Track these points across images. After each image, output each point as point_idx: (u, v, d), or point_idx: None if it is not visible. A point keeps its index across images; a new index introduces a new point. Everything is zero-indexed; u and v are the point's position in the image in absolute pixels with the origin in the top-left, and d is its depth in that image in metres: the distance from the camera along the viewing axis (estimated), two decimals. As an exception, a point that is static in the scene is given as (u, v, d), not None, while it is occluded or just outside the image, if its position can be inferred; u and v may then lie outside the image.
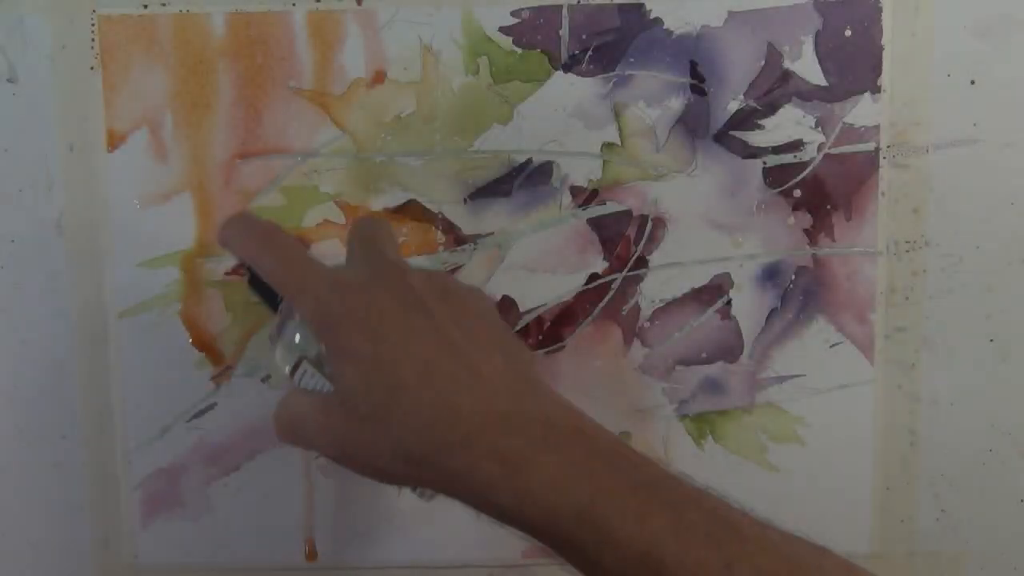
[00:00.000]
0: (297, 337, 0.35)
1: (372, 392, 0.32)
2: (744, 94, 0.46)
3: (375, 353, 0.32)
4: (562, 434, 0.32)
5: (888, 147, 0.46)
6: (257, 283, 0.36)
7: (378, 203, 0.46)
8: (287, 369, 0.35)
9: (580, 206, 0.46)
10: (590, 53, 0.45)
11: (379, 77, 0.46)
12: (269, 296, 0.36)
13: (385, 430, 0.32)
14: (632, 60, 0.45)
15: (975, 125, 0.46)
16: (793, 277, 0.47)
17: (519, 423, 0.32)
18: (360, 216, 0.38)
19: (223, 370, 0.47)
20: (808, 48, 0.45)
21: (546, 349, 0.47)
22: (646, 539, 0.30)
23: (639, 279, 0.47)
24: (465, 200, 0.46)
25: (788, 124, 0.46)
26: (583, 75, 0.46)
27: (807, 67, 0.45)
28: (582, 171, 0.46)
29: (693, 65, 0.45)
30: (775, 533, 0.31)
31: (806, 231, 0.46)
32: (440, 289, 0.34)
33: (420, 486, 0.34)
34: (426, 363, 0.32)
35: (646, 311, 0.47)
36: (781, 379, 0.47)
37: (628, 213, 0.46)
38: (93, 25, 0.45)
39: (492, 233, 0.47)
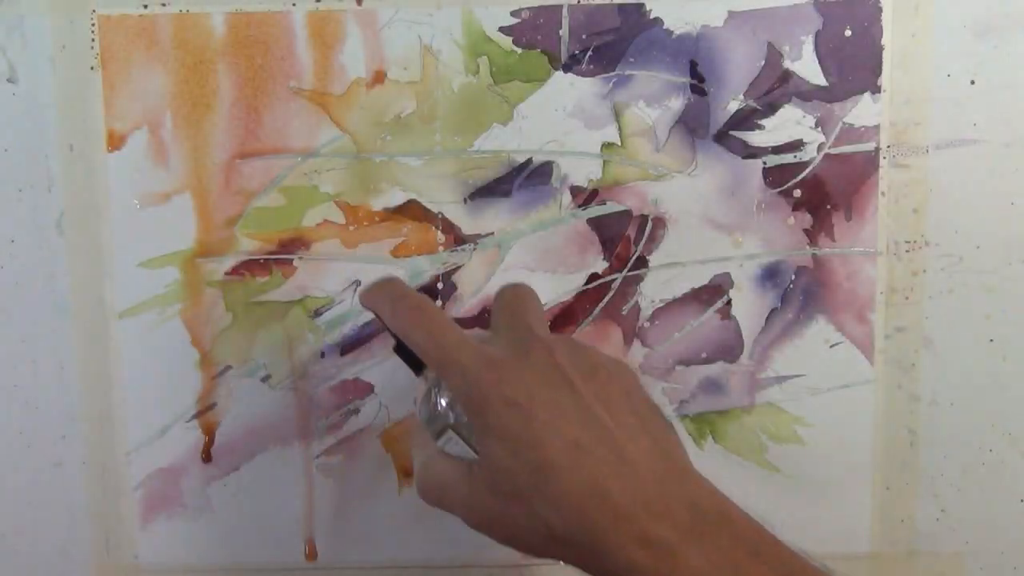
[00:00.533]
0: (442, 404, 0.35)
1: (519, 471, 0.32)
2: (744, 94, 0.46)
3: (523, 433, 0.32)
4: (708, 522, 0.32)
5: (888, 147, 0.46)
6: (402, 349, 0.37)
7: (378, 203, 0.46)
8: (431, 434, 0.36)
9: (580, 206, 0.46)
10: (590, 53, 0.45)
11: (379, 77, 0.46)
12: (413, 361, 0.38)
13: (531, 509, 0.32)
14: (632, 60, 0.45)
15: (975, 125, 0.46)
16: (793, 277, 0.47)
17: (666, 509, 0.32)
18: (507, 284, 0.39)
19: (223, 370, 0.47)
20: (808, 48, 0.45)
21: (546, 349, 0.47)
22: None
23: (639, 279, 0.47)
24: (465, 200, 0.46)
25: (788, 124, 0.46)
26: (583, 75, 0.46)
27: (807, 67, 0.45)
28: (582, 171, 0.46)
29: (693, 65, 0.45)
30: None
31: (806, 231, 0.46)
32: (587, 366, 0.35)
33: (558, 559, 0.34)
34: (574, 444, 0.32)
35: (646, 311, 0.47)
36: (781, 379, 0.47)
37: (628, 213, 0.46)
38: (93, 25, 0.45)
39: (492, 233, 0.47)
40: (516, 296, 0.38)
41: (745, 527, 0.33)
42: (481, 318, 0.47)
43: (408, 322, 0.36)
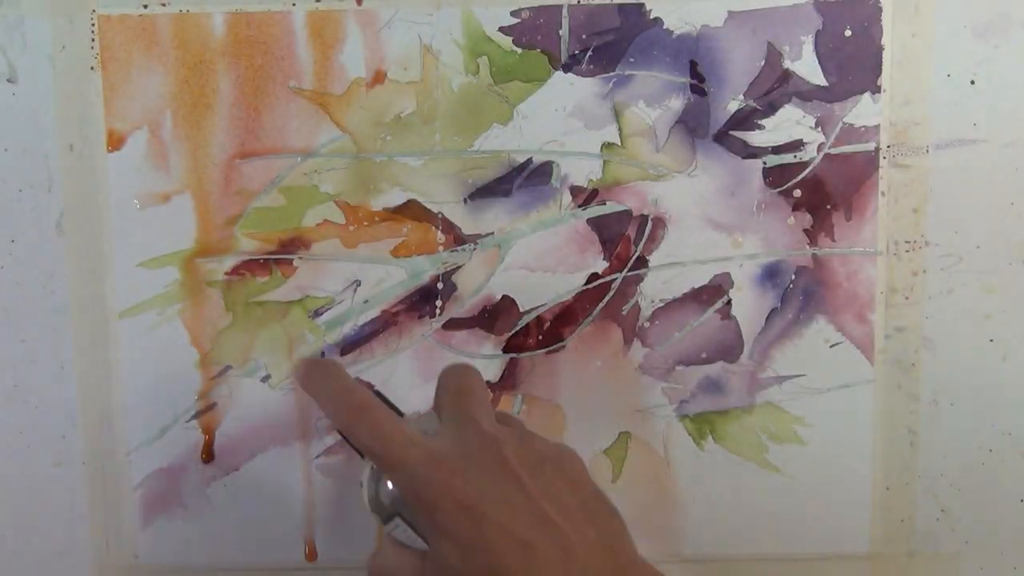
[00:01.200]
0: (389, 496, 0.35)
1: (471, 573, 0.32)
2: (744, 94, 0.46)
3: (474, 535, 0.32)
4: None
5: (888, 147, 0.46)
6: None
7: (378, 203, 0.46)
8: (378, 518, 0.36)
9: (580, 206, 0.46)
10: (590, 53, 0.45)
11: (379, 77, 0.46)
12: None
13: None
14: (632, 60, 0.45)
15: (975, 125, 0.46)
16: (793, 277, 0.47)
17: None
18: (450, 366, 0.39)
19: (223, 370, 0.47)
20: (808, 48, 0.45)
21: (546, 349, 0.47)
22: None
23: (639, 279, 0.47)
24: (465, 200, 0.46)
25: (788, 124, 0.46)
26: (583, 75, 0.46)
27: (807, 67, 0.45)
28: (582, 171, 0.46)
29: (693, 65, 0.45)
30: None
31: (806, 231, 0.46)
32: (534, 460, 0.35)
33: None
34: (525, 546, 0.32)
35: (646, 311, 0.47)
36: (781, 379, 0.47)
37: (628, 213, 0.46)
38: (93, 25, 0.45)
39: (492, 233, 0.47)
40: (461, 382, 0.38)
41: None
42: (481, 318, 0.47)
43: (351, 421, 0.35)
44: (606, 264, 0.47)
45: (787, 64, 0.45)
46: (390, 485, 0.35)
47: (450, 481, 0.33)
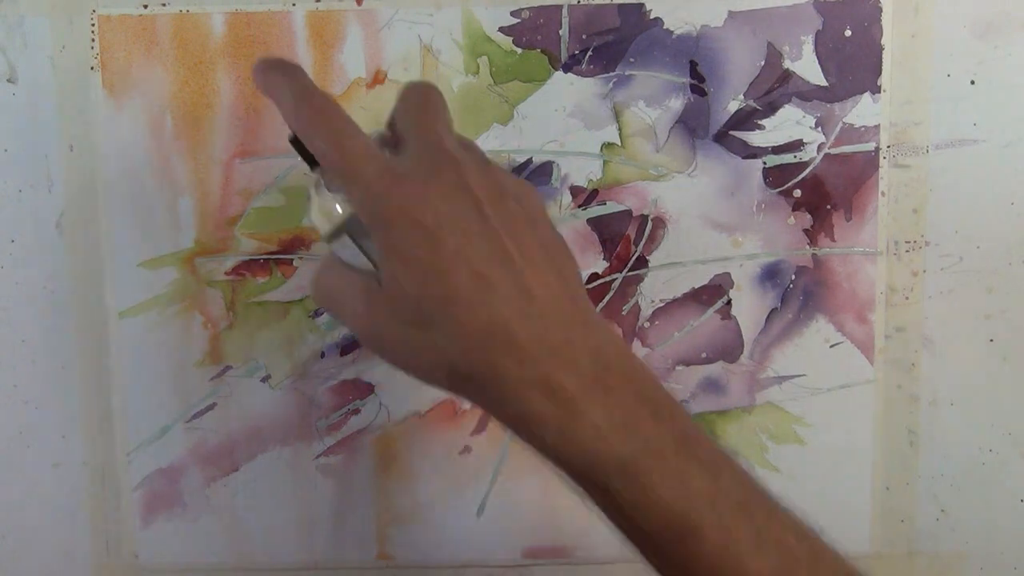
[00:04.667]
0: (339, 207, 0.33)
1: (423, 300, 0.31)
2: (744, 94, 0.46)
3: (429, 259, 0.30)
4: (612, 375, 0.31)
5: (888, 147, 0.46)
6: (299, 143, 0.34)
7: (378, 203, 0.46)
8: (323, 236, 0.34)
9: (580, 206, 0.46)
10: (590, 53, 0.45)
11: (379, 77, 0.46)
12: (309, 154, 0.34)
13: (432, 340, 0.31)
14: (632, 60, 0.45)
15: (975, 125, 0.46)
16: (793, 277, 0.47)
17: (571, 356, 0.31)
18: (412, 82, 0.36)
19: (223, 370, 0.47)
20: (808, 48, 0.45)
21: (546, 349, 0.47)
22: (684, 503, 0.30)
23: (639, 279, 0.47)
24: (465, 200, 0.46)
25: (788, 124, 0.46)
26: (583, 75, 0.46)
27: (807, 67, 0.45)
28: (582, 171, 0.46)
29: (693, 65, 0.45)
30: (794, 515, 0.32)
31: (806, 231, 0.46)
32: (496, 190, 0.32)
33: (457, 395, 0.33)
34: (480, 277, 0.30)
35: (646, 311, 0.47)
36: (781, 379, 0.47)
37: (628, 213, 0.46)
38: (93, 25, 0.45)
39: (492, 233, 0.46)
40: (424, 99, 0.35)
41: (649, 386, 0.32)
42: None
43: (311, 124, 0.33)
44: (606, 264, 0.47)
45: (787, 64, 0.45)
46: (339, 206, 0.33)
47: (408, 199, 0.31)
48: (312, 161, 0.34)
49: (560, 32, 0.45)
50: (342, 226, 0.33)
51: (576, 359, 0.31)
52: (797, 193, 0.46)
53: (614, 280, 0.47)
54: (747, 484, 0.31)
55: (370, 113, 0.46)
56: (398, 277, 0.31)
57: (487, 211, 0.31)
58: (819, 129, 0.46)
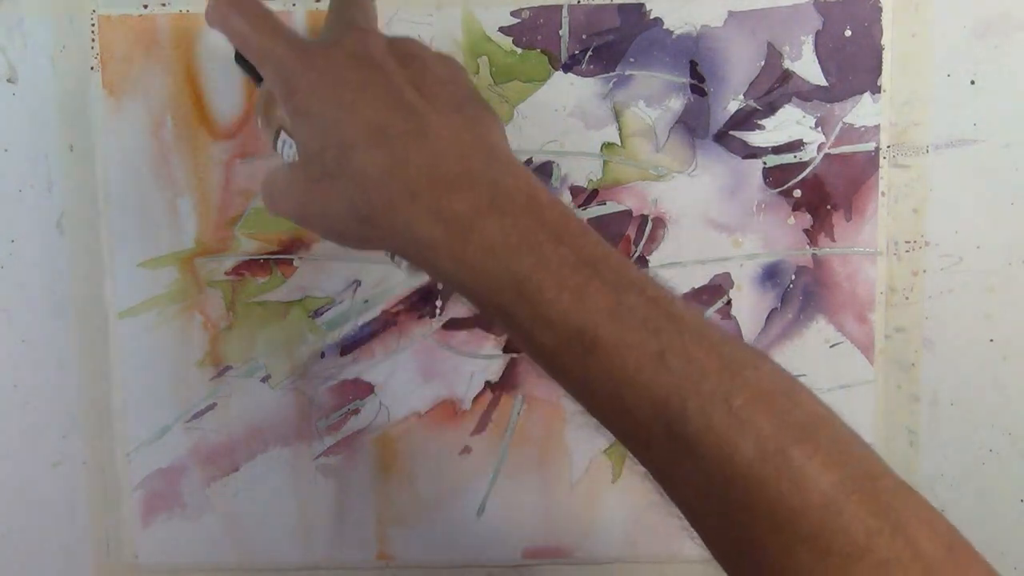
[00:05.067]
0: (279, 111, 0.35)
1: (326, 152, 0.32)
2: (744, 94, 0.46)
3: (328, 112, 0.32)
4: (510, 200, 0.31)
5: (888, 147, 0.46)
6: (241, 58, 0.37)
7: (378, 203, 0.46)
8: (271, 143, 0.36)
9: (580, 206, 0.46)
10: (590, 53, 0.45)
11: (379, 77, 0.45)
12: (253, 69, 0.36)
13: (338, 189, 0.32)
14: (632, 60, 0.45)
15: (975, 125, 0.46)
16: (793, 277, 0.47)
17: (466, 184, 0.31)
18: None
19: (223, 370, 0.47)
20: (808, 48, 0.45)
21: (546, 349, 0.47)
22: (581, 317, 0.29)
23: (639, 279, 0.47)
24: (465, 200, 0.46)
25: (788, 124, 0.46)
26: (583, 75, 0.46)
27: (807, 67, 0.45)
28: (582, 171, 0.46)
29: (693, 65, 0.45)
30: (715, 330, 0.30)
31: (806, 231, 0.46)
32: (402, 53, 0.34)
33: (373, 247, 0.33)
34: (378, 123, 0.32)
35: (646, 311, 0.47)
36: (781, 379, 0.47)
37: (628, 213, 0.46)
38: (93, 25, 0.45)
39: (492, 233, 0.46)
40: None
41: (554, 213, 0.31)
42: (481, 318, 0.47)
43: (233, 19, 0.34)
44: (606, 264, 0.47)
45: (787, 64, 0.45)
46: (279, 109, 0.35)
47: (312, 67, 0.33)
48: (258, 77, 0.36)
49: (560, 32, 0.45)
50: (280, 125, 0.35)
51: (472, 188, 0.31)
52: (797, 193, 0.46)
53: (614, 280, 0.47)
54: (661, 303, 0.30)
55: (370, 113, 0.46)
56: (303, 135, 0.33)
57: (390, 69, 0.33)
58: (819, 129, 0.46)
